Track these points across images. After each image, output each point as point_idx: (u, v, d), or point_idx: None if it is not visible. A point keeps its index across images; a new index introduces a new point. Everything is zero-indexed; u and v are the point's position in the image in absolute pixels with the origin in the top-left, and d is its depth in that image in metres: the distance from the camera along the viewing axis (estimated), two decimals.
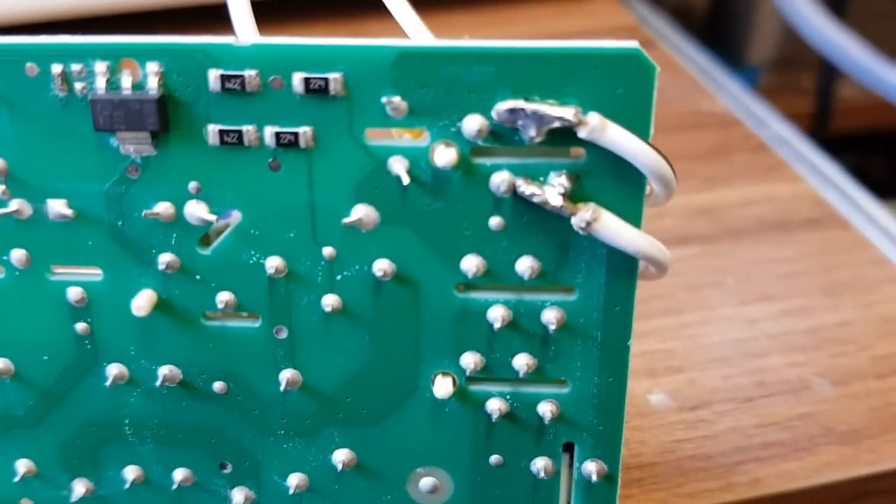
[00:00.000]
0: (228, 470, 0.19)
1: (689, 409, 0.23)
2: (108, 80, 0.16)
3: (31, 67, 0.16)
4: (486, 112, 0.15)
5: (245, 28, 0.17)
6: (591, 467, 0.18)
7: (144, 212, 0.17)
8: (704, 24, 0.76)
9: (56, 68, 0.16)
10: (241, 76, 0.16)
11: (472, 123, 0.16)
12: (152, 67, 0.16)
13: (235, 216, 0.17)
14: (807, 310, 0.26)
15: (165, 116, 0.16)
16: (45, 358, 0.18)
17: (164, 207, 0.16)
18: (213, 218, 0.16)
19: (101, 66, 0.16)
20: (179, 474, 0.19)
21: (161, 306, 0.17)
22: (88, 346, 0.18)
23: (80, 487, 0.19)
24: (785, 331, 0.25)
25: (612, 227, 0.16)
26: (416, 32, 0.18)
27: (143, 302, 0.17)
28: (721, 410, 0.23)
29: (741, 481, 0.21)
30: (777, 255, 0.28)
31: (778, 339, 0.25)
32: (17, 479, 0.19)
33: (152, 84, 0.16)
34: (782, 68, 0.77)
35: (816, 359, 0.24)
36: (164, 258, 0.17)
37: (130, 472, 0.19)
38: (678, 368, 0.24)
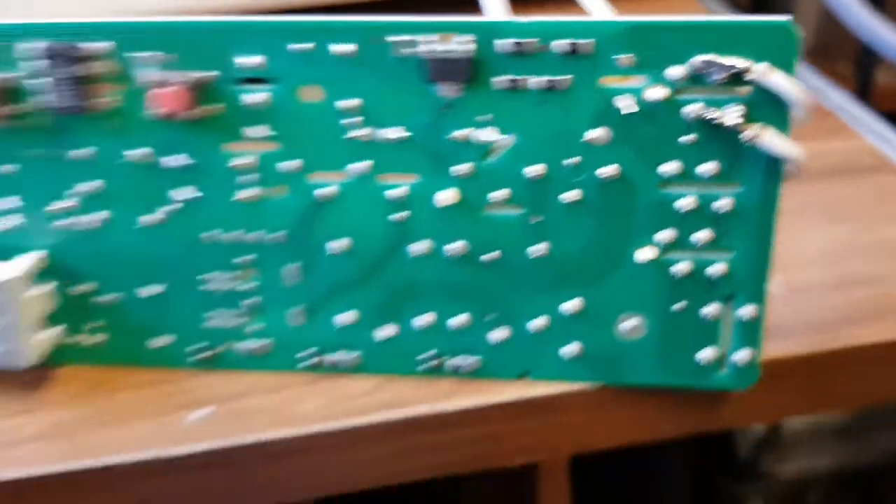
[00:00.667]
0: (491, 317, 0.26)
1: (796, 293, 0.30)
2: (435, 46, 0.24)
3: (376, 39, 0.24)
4: (685, 63, 0.23)
5: (497, 8, 0.25)
6: (745, 311, 0.25)
7: (451, 134, 0.25)
8: (746, 13, 0.83)
9: (394, 38, 0.24)
10: (523, 42, 0.24)
11: (676, 71, 0.23)
12: (466, 38, 0.24)
13: (511, 139, 0.25)
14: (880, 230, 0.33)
15: (472, 71, 0.24)
16: (371, 238, 0.26)
17: (465, 133, 0.24)
18: (497, 138, 0.25)
19: (429, 38, 0.24)
20: (457, 321, 0.26)
21: (457, 201, 0.25)
22: (402, 230, 0.26)
23: (387, 330, 0.27)
24: (867, 244, 0.32)
25: (770, 139, 0.24)
26: (600, 11, 0.27)
27: (446, 197, 0.25)
28: (821, 293, 0.30)
29: (844, 335, 0.28)
30: (845, 193, 0.35)
31: (860, 250, 0.32)
32: (338, 327, 0.27)
33: (467, 49, 0.24)
34: (820, 55, 0.84)
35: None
36: (463, 168, 0.25)
37: (424, 319, 0.26)
38: (783, 269, 0.32)
